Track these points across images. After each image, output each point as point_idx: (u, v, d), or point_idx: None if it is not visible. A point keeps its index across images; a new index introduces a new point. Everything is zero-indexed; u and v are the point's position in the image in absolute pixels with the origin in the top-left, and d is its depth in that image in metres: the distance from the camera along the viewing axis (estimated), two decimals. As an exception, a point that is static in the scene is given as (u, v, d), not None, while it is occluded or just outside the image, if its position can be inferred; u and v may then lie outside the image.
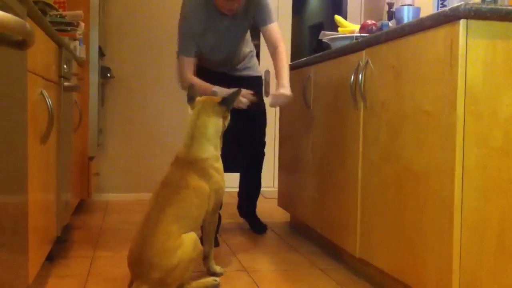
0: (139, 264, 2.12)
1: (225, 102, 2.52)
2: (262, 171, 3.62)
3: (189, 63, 3.04)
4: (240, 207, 3.74)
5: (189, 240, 2.20)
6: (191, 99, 2.55)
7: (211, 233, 2.54)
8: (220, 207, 3.05)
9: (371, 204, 2.40)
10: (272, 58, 3.05)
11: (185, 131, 2.49)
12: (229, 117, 2.57)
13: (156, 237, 2.14)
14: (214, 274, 2.55)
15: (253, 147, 3.51)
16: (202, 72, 3.15)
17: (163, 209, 2.21)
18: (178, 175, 2.34)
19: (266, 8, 3.04)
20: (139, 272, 2.12)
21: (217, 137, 2.49)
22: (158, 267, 2.10)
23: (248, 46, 3.33)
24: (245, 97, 2.82)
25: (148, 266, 2.10)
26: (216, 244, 3.04)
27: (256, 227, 3.62)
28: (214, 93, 2.87)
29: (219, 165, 2.48)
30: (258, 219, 3.69)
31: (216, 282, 2.42)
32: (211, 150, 2.44)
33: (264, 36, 3.08)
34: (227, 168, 3.41)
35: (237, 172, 3.60)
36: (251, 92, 2.86)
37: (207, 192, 2.38)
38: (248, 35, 3.30)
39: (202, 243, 2.44)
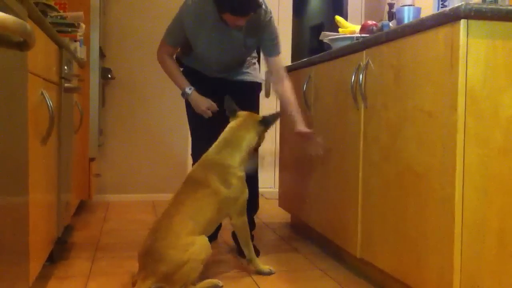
0: (149, 254, 2.17)
1: (266, 123, 2.63)
2: (263, 171, 3.55)
3: (171, 51, 3.07)
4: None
5: (200, 242, 2.25)
6: (232, 112, 2.67)
7: (244, 239, 2.62)
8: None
9: (372, 204, 2.40)
10: (278, 91, 3.01)
11: (220, 137, 2.58)
12: (264, 137, 2.68)
13: (170, 231, 2.20)
14: (263, 273, 2.64)
15: None
16: (193, 72, 3.14)
17: (180, 205, 2.30)
18: (200, 174, 2.43)
19: (275, 39, 2.95)
20: (147, 263, 2.16)
21: (247, 152, 2.57)
22: (167, 260, 2.14)
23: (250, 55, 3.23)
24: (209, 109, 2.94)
25: (157, 257, 2.15)
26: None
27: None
28: (185, 94, 2.97)
29: (242, 175, 2.55)
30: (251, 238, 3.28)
31: (220, 285, 2.43)
32: (238, 160, 2.52)
33: (267, 65, 3.05)
34: None
35: None
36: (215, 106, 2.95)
37: (224, 197, 2.43)
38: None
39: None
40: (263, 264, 2.69)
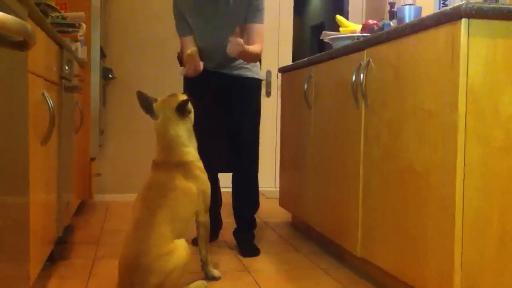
0: (135, 270, 2.07)
1: (181, 109, 2.43)
2: (264, 171, 3.54)
3: (187, 42, 3.07)
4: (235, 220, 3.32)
5: (182, 245, 2.20)
6: (149, 110, 2.44)
7: (206, 236, 2.52)
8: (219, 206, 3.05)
9: (372, 203, 2.40)
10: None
11: (157, 141, 2.44)
12: (192, 111, 2.51)
13: (152, 241, 2.11)
14: (213, 278, 2.53)
15: (241, 149, 3.17)
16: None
17: (153, 213, 2.18)
18: (163, 178, 2.32)
19: (258, 6, 2.97)
20: (136, 280, 2.07)
21: (192, 137, 2.48)
22: (157, 272, 2.07)
23: None
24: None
25: (146, 272, 2.06)
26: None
27: (245, 248, 3.09)
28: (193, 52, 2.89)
29: (201, 164, 2.48)
30: (250, 238, 3.20)
31: (204, 286, 2.41)
32: (192, 152, 2.45)
33: (246, 32, 3.00)
34: (221, 169, 3.38)
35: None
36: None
37: (195, 192, 2.37)
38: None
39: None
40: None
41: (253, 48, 2.95)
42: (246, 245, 3.09)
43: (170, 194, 2.26)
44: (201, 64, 2.95)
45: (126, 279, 2.10)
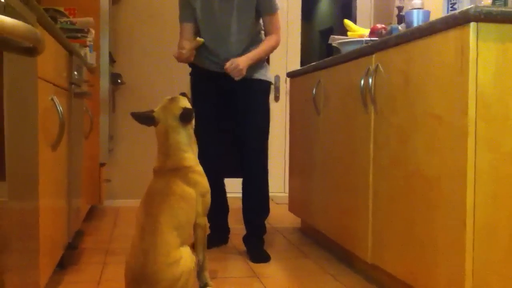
0: (143, 280, 2.05)
1: (184, 118, 2.39)
2: (273, 176, 3.51)
3: (186, 29, 3.09)
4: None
5: (187, 253, 2.18)
6: (150, 122, 2.41)
7: (203, 240, 2.46)
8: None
9: (382, 208, 2.39)
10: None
11: (158, 147, 2.42)
12: (193, 118, 2.46)
13: (158, 250, 2.09)
14: (205, 286, 2.47)
15: (249, 154, 3.14)
16: (200, 72, 3.15)
17: (157, 219, 2.15)
18: (161, 183, 2.31)
19: None
20: None
21: (192, 142, 2.45)
22: (164, 281, 2.05)
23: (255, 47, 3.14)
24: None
25: (153, 281, 2.04)
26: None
27: (255, 254, 3.05)
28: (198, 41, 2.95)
29: (201, 168, 2.44)
30: (260, 244, 3.16)
31: None
32: (191, 157, 2.41)
33: (263, 26, 3.09)
34: (227, 173, 3.37)
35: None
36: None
37: (194, 197, 2.34)
38: (260, 39, 3.14)
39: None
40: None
41: (263, 46, 2.99)
42: (257, 251, 3.07)
43: (169, 199, 2.24)
44: (192, 57, 3.03)
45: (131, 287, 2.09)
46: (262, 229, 3.22)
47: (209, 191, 2.46)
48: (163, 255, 2.08)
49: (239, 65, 2.88)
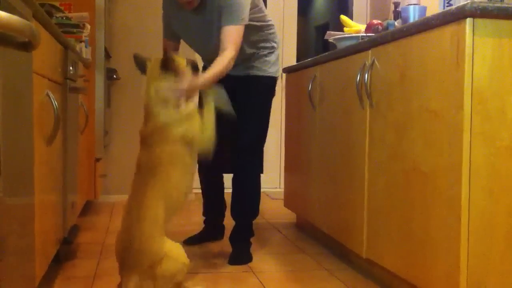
0: (128, 252, 2.10)
1: (165, 65, 2.32)
2: (269, 171, 3.45)
3: (167, 45, 2.98)
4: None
5: (177, 248, 2.18)
6: (143, 70, 2.39)
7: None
8: None
9: (378, 204, 2.40)
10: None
11: (144, 104, 2.34)
12: (177, 72, 2.36)
13: (144, 223, 2.11)
14: None
15: (241, 152, 3.01)
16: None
17: (143, 193, 2.17)
18: (147, 156, 2.25)
19: (230, 7, 2.70)
20: (128, 261, 2.10)
21: (171, 102, 2.31)
22: (148, 253, 2.08)
23: (254, 47, 2.99)
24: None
25: (138, 253, 2.08)
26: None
27: (231, 256, 2.94)
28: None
29: (193, 116, 2.33)
30: (241, 246, 3.02)
31: None
32: (172, 113, 2.28)
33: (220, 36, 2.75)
34: (226, 170, 3.31)
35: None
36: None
37: (183, 153, 2.27)
38: (263, 35, 3.01)
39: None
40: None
41: (219, 59, 2.63)
42: (234, 253, 2.96)
43: (158, 171, 2.20)
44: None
45: (120, 260, 2.14)
46: (246, 231, 3.09)
47: (197, 132, 2.35)
48: (148, 228, 2.11)
49: (183, 89, 2.44)
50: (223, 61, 2.61)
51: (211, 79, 2.56)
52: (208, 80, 2.55)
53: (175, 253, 2.16)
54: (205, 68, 3.05)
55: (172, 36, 3.02)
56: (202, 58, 3.08)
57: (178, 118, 2.29)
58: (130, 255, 2.09)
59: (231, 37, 2.68)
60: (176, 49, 3.03)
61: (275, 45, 3.08)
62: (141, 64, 2.41)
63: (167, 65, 2.32)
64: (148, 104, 2.31)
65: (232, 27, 2.69)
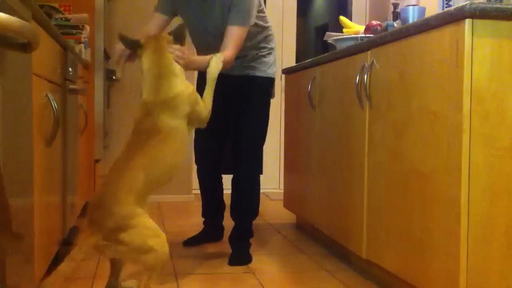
0: (96, 209, 2.01)
1: (178, 38, 2.36)
2: (268, 172, 3.46)
3: (155, 19, 2.91)
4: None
5: (154, 229, 2.07)
6: (137, 44, 2.36)
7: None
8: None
9: (377, 205, 2.40)
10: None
11: (147, 73, 2.31)
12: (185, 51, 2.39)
13: (121, 183, 2.04)
14: None
15: (240, 154, 3.00)
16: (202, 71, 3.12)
17: (132, 157, 2.12)
18: (148, 121, 2.20)
19: (239, 6, 2.70)
20: (93, 217, 2.00)
21: (183, 72, 2.34)
22: (115, 214, 1.98)
23: (255, 48, 2.99)
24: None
25: (104, 211, 1.98)
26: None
27: (231, 257, 2.93)
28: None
29: (193, 92, 2.34)
30: (241, 247, 3.02)
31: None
32: (182, 84, 2.30)
33: (224, 36, 2.74)
34: (226, 169, 3.31)
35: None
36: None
37: (185, 131, 2.26)
38: (264, 36, 3.01)
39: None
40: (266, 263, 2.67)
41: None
42: (234, 253, 2.95)
43: (153, 139, 2.16)
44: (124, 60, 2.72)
45: (89, 216, 2.04)
46: (245, 232, 3.09)
47: (199, 101, 2.37)
48: (122, 192, 2.02)
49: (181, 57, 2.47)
50: (225, 55, 2.62)
51: (205, 62, 2.57)
52: (202, 61, 2.58)
53: (146, 231, 2.04)
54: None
55: (167, 12, 2.92)
56: (197, 48, 3.05)
57: (186, 93, 2.29)
58: (97, 212, 2.00)
59: (234, 39, 2.68)
60: (163, 25, 2.92)
61: (273, 46, 3.08)
62: (132, 42, 2.39)
63: (178, 34, 2.36)
64: (156, 76, 2.28)
65: (237, 29, 2.69)
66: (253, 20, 2.77)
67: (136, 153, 2.13)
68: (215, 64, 2.52)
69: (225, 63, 2.60)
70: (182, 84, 2.30)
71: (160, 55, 2.31)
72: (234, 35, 2.69)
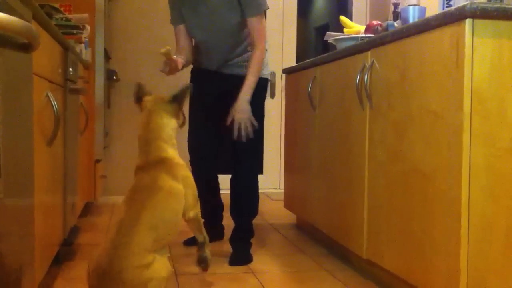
0: (107, 276, 1.87)
1: (176, 99, 2.34)
2: (269, 172, 3.44)
3: (178, 32, 3.03)
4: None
5: (162, 261, 2.00)
6: (138, 99, 2.38)
7: (200, 225, 2.38)
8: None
9: (378, 205, 2.40)
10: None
11: (138, 137, 2.30)
12: (182, 116, 2.41)
13: (130, 247, 1.91)
14: (204, 260, 2.39)
15: (238, 154, 3.01)
16: (197, 71, 3.12)
17: (138, 216, 2.00)
18: (147, 179, 2.15)
19: None
20: (105, 286, 1.88)
21: (174, 138, 2.32)
22: (129, 281, 1.86)
23: (251, 47, 2.97)
24: None
25: (118, 280, 1.86)
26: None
27: (232, 257, 2.93)
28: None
29: (183, 163, 2.32)
30: (242, 247, 3.02)
31: None
32: (170, 151, 2.27)
33: (249, 31, 2.87)
34: (226, 169, 3.30)
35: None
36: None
37: (183, 192, 2.22)
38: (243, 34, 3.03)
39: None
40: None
41: (255, 63, 2.83)
42: (234, 253, 2.95)
43: (156, 195, 2.09)
44: (180, 63, 2.86)
45: (95, 285, 1.90)
46: (247, 231, 3.09)
47: (193, 181, 2.36)
48: (133, 254, 1.91)
49: (243, 116, 2.78)
50: (255, 65, 2.83)
51: (254, 83, 2.82)
52: (250, 85, 2.82)
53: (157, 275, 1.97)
54: (198, 58, 3.09)
55: (181, 21, 3.01)
56: (201, 46, 3.05)
57: (180, 159, 2.30)
58: (110, 281, 1.87)
59: (257, 32, 2.83)
60: (185, 33, 3.03)
61: (267, 46, 3.08)
62: (136, 98, 2.39)
63: (178, 101, 2.36)
64: (152, 136, 2.27)
65: (255, 20, 2.82)
66: (267, 3, 2.87)
67: (141, 210, 2.03)
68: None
69: (259, 61, 2.83)
70: (171, 152, 2.28)
71: (154, 115, 2.30)
72: (255, 28, 2.83)
